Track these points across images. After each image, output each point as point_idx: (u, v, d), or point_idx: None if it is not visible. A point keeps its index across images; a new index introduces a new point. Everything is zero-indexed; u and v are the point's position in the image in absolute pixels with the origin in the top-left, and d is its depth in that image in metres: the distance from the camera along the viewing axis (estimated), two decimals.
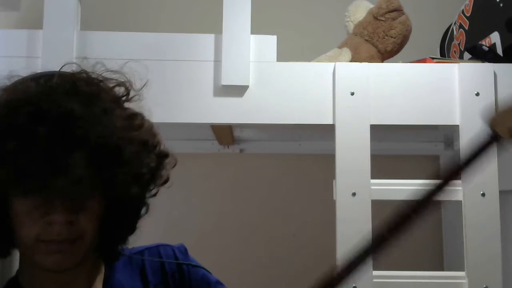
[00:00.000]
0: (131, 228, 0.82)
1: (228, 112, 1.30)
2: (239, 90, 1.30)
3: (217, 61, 1.31)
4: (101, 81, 0.79)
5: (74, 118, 0.69)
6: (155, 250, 0.91)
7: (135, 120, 0.78)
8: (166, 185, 0.83)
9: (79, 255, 0.75)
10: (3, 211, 0.72)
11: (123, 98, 0.80)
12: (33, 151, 0.67)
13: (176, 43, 1.34)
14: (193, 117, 1.31)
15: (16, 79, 0.77)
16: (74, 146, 0.68)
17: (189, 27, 1.88)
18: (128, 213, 0.79)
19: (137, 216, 0.82)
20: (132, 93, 0.82)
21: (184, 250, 0.93)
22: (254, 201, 2.02)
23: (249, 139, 2.00)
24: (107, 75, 0.80)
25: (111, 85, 0.80)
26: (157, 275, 0.88)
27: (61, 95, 0.72)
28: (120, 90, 0.80)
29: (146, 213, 0.83)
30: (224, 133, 1.83)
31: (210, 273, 0.94)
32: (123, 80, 0.81)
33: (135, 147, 0.74)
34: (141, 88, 0.83)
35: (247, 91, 1.31)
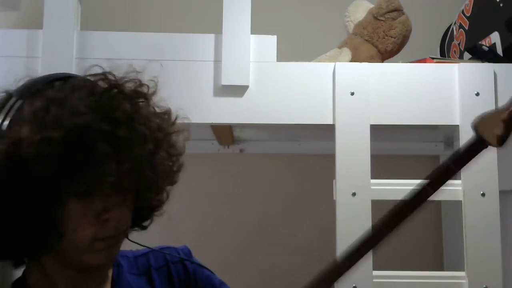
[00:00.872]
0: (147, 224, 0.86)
1: (228, 112, 1.30)
2: (239, 90, 1.30)
3: (217, 61, 1.31)
4: (138, 94, 0.78)
5: (123, 140, 0.70)
6: (160, 253, 0.91)
7: (166, 123, 0.81)
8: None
9: (119, 247, 0.78)
10: (53, 216, 0.70)
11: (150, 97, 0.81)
12: (88, 156, 0.68)
13: (176, 43, 1.34)
14: (193, 117, 1.31)
15: (21, 82, 0.76)
16: (122, 161, 0.70)
17: (189, 27, 1.88)
18: (151, 209, 0.84)
19: (155, 212, 0.86)
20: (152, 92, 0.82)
21: (188, 252, 0.94)
22: (254, 201, 2.02)
23: (249, 139, 2.00)
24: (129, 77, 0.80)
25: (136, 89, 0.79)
26: (162, 277, 0.89)
27: (109, 112, 0.71)
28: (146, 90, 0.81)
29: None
30: (224, 133, 1.83)
31: (213, 274, 0.94)
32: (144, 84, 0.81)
33: (166, 164, 0.79)
34: (157, 88, 0.83)
35: (247, 91, 1.31)
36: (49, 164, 0.65)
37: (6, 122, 0.69)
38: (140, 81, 0.79)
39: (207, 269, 0.94)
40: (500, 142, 0.70)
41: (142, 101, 0.77)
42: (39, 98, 0.70)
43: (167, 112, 0.82)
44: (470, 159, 0.73)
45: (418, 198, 0.74)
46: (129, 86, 0.77)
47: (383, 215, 0.73)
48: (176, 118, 0.83)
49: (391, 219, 0.73)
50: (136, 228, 0.84)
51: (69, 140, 0.66)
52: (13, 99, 0.71)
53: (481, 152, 0.72)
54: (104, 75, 0.76)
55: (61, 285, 0.78)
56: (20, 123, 0.67)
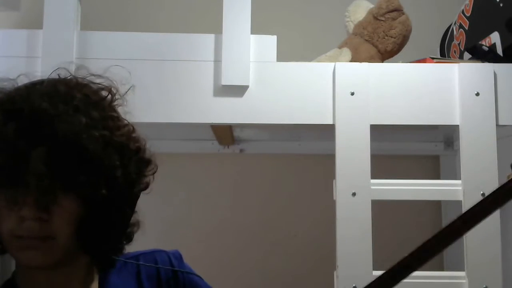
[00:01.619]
0: (116, 233, 0.81)
1: (228, 112, 1.30)
2: (239, 90, 1.30)
3: (217, 61, 1.31)
4: (83, 84, 0.80)
5: (42, 114, 0.71)
6: (150, 256, 0.91)
7: (110, 121, 0.78)
8: (146, 191, 0.83)
9: (54, 254, 0.74)
10: None
11: (105, 101, 0.80)
12: (3, 146, 0.70)
13: (176, 43, 1.34)
14: (193, 117, 1.31)
15: (14, 81, 0.79)
16: (36, 141, 0.70)
17: (189, 27, 1.88)
18: (108, 216, 0.77)
19: (119, 221, 0.80)
20: (117, 97, 0.82)
21: (179, 256, 0.93)
22: (254, 201, 2.02)
23: (249, 139, 2.00)
24: (94, 79, 0.81)
25: (95, 88, 0.80)
26: (152, 281, 0.88)
27: (38, 95, 0.74)
28: (103, 94, 0.81)
29: (137, 222, 0.83)
30: (224, 133, 1.83)
31: (202, 279, 0.93)
32: (107, 85, 0.81)
33: (104, 147, 0.74)
34: (125, 93, 0.83)
35: (247, 91, 1.31)
36: None
37: None
38: (101, 85, 0.81)
39: (197, 275, 0.93)
40: None
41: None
42: None
43: (113, 118, 0.79)
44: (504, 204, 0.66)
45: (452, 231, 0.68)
46: (86, 89, 0.78)
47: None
48: (123, 125, 0.80)
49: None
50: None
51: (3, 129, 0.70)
52: None
53: None
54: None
55: (43, 284, 0.79)
56: None
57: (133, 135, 0.81)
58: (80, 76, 0.81)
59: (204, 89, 1.31)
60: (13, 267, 0.83)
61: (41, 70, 1.25)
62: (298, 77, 1.32)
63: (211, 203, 2.00)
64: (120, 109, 0.82)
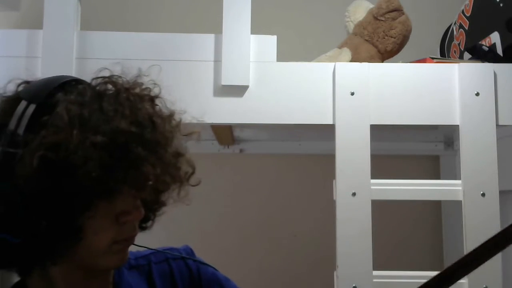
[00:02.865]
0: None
1: (228, 112, 1.30)
2: (239, 90, 1.30)
3: (217, 61, 1.31)
4: (143, 96, 0.78)
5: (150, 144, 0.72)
6: (161, 253, 0.91)
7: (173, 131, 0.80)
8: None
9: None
10: (77, 219, 0.69)
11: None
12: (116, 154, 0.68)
13: (176, 43, 1.34)
14: (193, 117, 1.31)
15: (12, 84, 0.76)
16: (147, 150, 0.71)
17: (189, 27, 1.88)
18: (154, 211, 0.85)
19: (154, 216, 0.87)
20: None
21: (190, 252, 0.94)
22: (254, 201, 2.02)
23: (249, 139, 2.00)
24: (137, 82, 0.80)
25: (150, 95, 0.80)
26: (165, 279, 0.88)
27: (119, 118, 0.70)
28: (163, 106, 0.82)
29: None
30: (224, 133, 1.83)
31: (217, 270, 0.94)
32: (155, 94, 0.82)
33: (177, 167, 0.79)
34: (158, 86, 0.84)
35: (247, 91, 1.31)
36: (95, 167, 0.65)
37: (22, 127, 0.68)
38: (145, 84, 0.79)
39: (211, 266, 0.93)
40: None
41: (156, 104, 0.78)
42: (62, 102, 0.70)
43: (174, 114, 0.82)
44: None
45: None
46: (141, 89, 0.77)
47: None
48: (181, 120, 0.83)
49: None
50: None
51: (111, 144, 0.67)
52: (23, 103, 0.70)
53: None
54: (109, 78, 0.76)
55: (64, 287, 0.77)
56: (49, 128, 0.67)
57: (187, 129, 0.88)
58: (124, 79, 0.78)
59: (204, 89, 1.31)
60: (11, 282, 0.81)
61: (41, 70, 1.25)
62: (298, 77, 1.32)
63: (211, 203, 2.00)
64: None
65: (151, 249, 0.92)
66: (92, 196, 0.68)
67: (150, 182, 0.71)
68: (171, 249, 0.93)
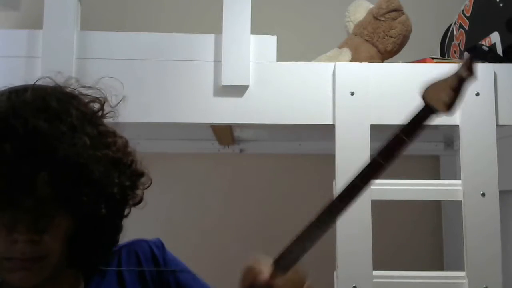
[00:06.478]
0: (106, 246, 0.81)
1: (228, 112, 1.30)
2: (239, 90, 1.30)
3: (217, 61, 1.31)
4: (74, 96, 0.77)
5: (40, 135, 0.68)
6: (131, 248, 0.88)
7: (106, 138, 0.76)
8: (140, 205, 0.81)
9: (45, 273, 0.73)
10: None
11: (98, 114, 0.78)
12: (2, 170, 0.66)
13: (176, 43, 1.34)
14: (193, 117, 1.31)
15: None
16: (39, 165, 0.67)
17: (189, 27, 1.88)
18: (99, 232, 0.77)
19: (110, 235, 0.80)
20: (108, 109, 0.80)
21: (160, 245, 0.91)
22: (254, 201, 2.02)
23: (249, 139, 2.00)
24: (82, 90, 0.79)
25: (86, 100, 0.78)
26: (133, 275, 0.86)
27: (29, 111, 0.70)
28: (94, 106, 0.79)
29: (120, 232, 0.82)
30: (224, 133, 1.83)
31: (191, 274, 0.92)
32: (98, 96, 0.79)
33: (105, 166, 0.73)
34: (117, 104, 0.81)
35: (247, 91, 1.31)
36: None
37: None
38: (92, 97, 0.78)
39: (182, 269, 0.91)
40: (448, 108, 0.74)
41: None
42: None
43: (108, 133, 0.78)
44: (420, 127, 0.76)
45: (370, 171, 0.79)
46: (75, 102, 0.75)
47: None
48: (118, 139, 0.79)
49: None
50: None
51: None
52: None
53: (430, 119, 0.75)
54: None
55: None
56: None
57: (128, 149, 0.80)
58: (67, 86, 0.78)
59: (204, 89, 1.31)
60: None
61: (41, 70, 1.25)
62: (298, 77, 1.32)
63: (211, 203, 2.00)
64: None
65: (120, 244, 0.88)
66: None
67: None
68: (140, 241, 0.90)
